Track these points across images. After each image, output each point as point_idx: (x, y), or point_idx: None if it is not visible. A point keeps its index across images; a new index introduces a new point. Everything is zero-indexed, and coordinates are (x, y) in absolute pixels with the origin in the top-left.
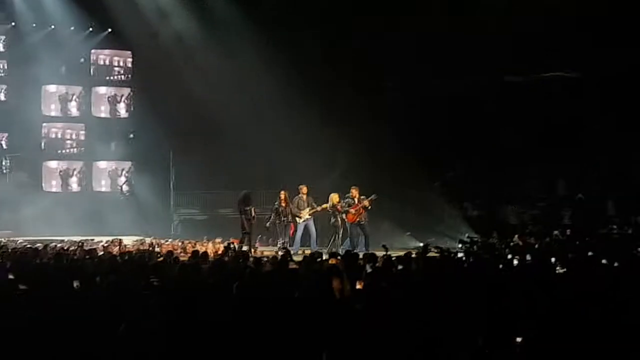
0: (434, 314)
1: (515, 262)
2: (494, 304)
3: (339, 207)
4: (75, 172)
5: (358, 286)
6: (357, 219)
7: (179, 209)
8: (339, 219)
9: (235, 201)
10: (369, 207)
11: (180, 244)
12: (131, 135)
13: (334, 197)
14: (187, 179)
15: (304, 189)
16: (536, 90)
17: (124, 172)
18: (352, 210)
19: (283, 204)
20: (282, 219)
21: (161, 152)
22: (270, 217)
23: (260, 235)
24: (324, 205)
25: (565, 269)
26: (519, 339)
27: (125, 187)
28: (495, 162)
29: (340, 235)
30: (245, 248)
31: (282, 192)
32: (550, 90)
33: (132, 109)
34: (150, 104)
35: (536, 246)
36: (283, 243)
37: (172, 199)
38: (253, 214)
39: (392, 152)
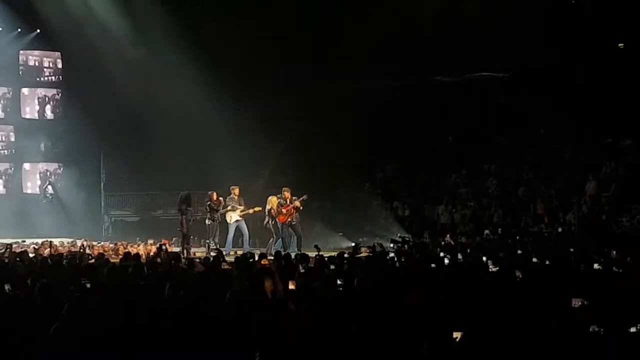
0: (367, 313)
1: (447, 261)
2: (427, 301)
3: (273, 211)
4: (1, 174)
5: (291, 286)
6: (289, 220)
7: (110, 210)
8: (275, 222)
9: (174, 202)
10: (301, 208)
11: (112, 245)
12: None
13: (273, 200)
14: (118, 180)
15: (236, 190)
16: (467, 90)
17: (50, 175)
18: (284, 211)
19: (214, 203)
20: (213, 217)
21: (91, 153)
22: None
23: (192, 237)
24: (257, 208)
25: (497, 268)
26: (457, 334)
27: (49, 190)
28: (426, 162)
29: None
30: (178, 249)
31: (213, 192)
32: (481, 90)
33: (58, 110)
34: (79, 105)
35: (467, 246)
36: (216, 244)
37: (102, 200)
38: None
39: (323, 152)
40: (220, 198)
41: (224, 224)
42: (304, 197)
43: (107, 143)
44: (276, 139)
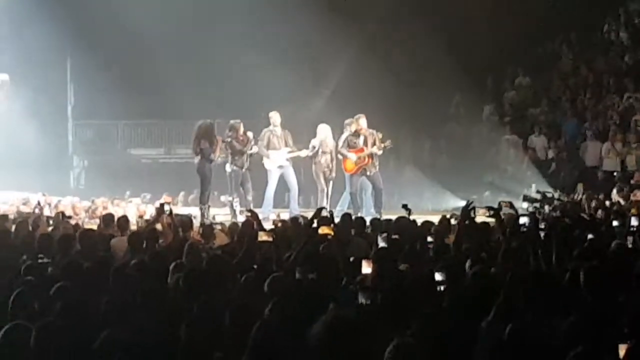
0: (486, 321)
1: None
2: (588, 301)
3: (329, 145)
4: None
5: (365, 269)
6: (359, 171)
7: (83, 148)
8: (329, 164)
9: (183, 136)
10: (379, 153)
11: (86, 204)
12: None
13: (324, 129)
14: (95, 102)
15: (277, 118)
16: None
17: None
18: (352, 156)
19: (239, 140)
20: (238, 162)
21: (53, 61)
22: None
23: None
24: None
25: None
26: (623, 347)
27: None
28: (583, 71)
29: (329, 190)
30: (188, 210)
31: (238, 123)
32: None
33: None
34: None
35: None
36: (248, 202)
37: (70, 132)
38: (216, 156)
39: (419, 55)
40: (249, 133)
41: (259, 172)
42: (387, 143)
43: (78, 46)
44: (346, 37)
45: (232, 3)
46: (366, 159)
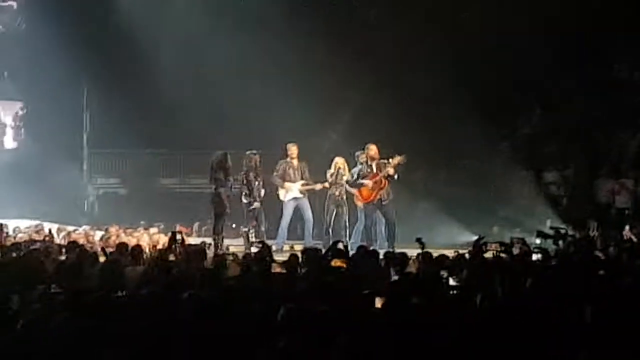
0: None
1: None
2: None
3: (345, 177)
4: None
5: (378, 304)
6: (377, 197)
7: (97, 177)
8: (342, 196)
9: (198, 166)
10: (395, 176)
11: (98, 232)
12: None
13: (340, 162)
14: (110, 131)
15: (294, 150)
16: None
17: (11, 119)
18: (369, 183)
19: (255, 172)
20: (253, 194)
21: (69, 89)
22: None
23: (227, 222)
24: (327, 184)
25: None
26: None
27: (10, 142)
28: (598, 110)
29: (345, 221)
30: (201, 240)
31: (254, 154)
32: None
33: (19, 23)
34: (51, 16)
35: None
36: (261, 233)
37: (85, 162)
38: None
39: (434, 91)
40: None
41: (275, 204)
42: (401, 158)
43: (95, 75)
44: (361, 70)
45: (249, 36)
46: (382, 182)
